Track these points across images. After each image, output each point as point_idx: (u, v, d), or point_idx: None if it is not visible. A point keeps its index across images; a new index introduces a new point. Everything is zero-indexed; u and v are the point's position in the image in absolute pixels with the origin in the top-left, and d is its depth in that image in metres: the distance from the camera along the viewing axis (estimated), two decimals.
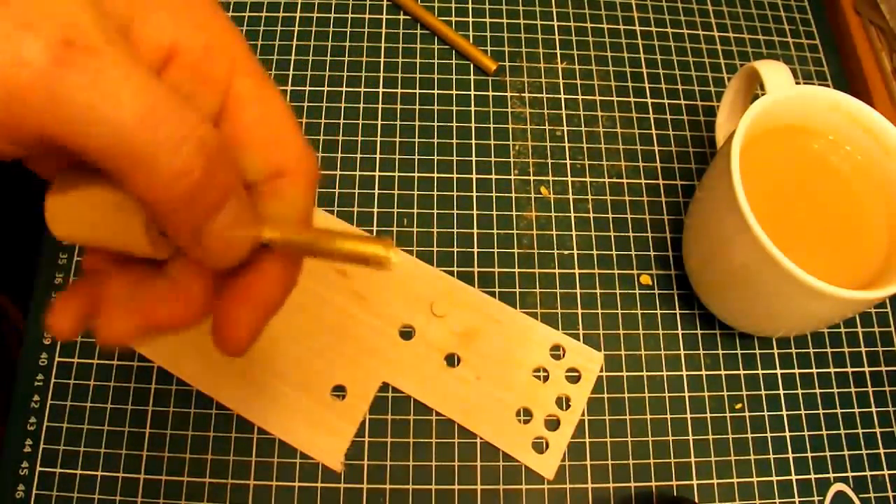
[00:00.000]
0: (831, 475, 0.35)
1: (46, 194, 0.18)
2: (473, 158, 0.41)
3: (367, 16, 0.44)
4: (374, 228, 0.38)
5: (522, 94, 0.43)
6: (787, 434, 0.36)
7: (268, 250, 0.19)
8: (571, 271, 0.38)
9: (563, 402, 0.35)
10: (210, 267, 0.18)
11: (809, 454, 0.35)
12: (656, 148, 0.42)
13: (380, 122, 0.41)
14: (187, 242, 0.17)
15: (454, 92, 0.42)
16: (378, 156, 0.40)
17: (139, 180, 0.15)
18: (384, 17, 0.45)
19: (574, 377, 0.35)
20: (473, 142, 0.41)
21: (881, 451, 0.36)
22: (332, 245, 0.18)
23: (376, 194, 0.39)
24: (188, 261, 0.19)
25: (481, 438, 0.34)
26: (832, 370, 0.37)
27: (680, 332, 0.37)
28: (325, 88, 0.42)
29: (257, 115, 0.19)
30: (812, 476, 0.35)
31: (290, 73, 0.42)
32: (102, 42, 0.15)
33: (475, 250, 0.38)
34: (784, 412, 0.36)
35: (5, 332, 0.49)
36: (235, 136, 0.19)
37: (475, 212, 0.39)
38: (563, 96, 0.43)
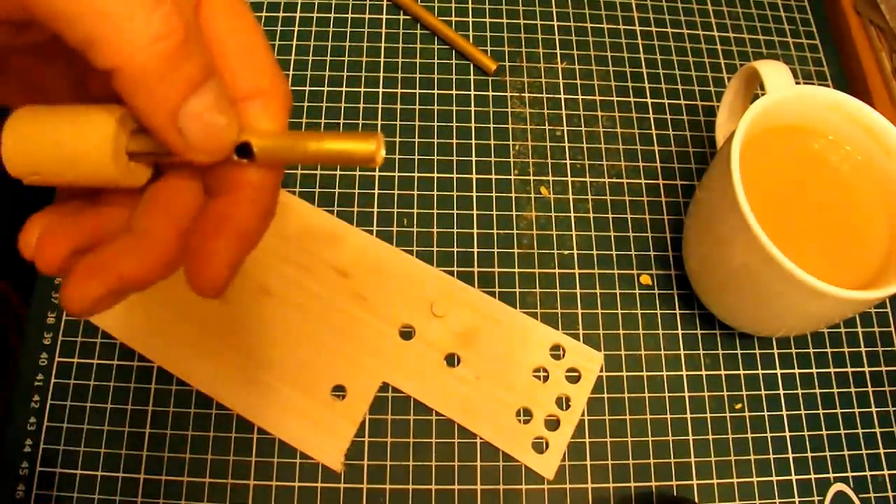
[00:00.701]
0: (831, 475, 0.35)
1: (4, 127, 0.17)
2: (473, 158, 0.41)
3: (367, 16, 0.44)
4: (374, 229, 0.38)
5: (522, 94, 0.43)
6: (787, 434, 0.36)
7: (242, 175, 0.18)
8: (571, 271, 0.38)
9: (563, 402, 0.35)
10: (189, 159, 0.17)
11: (809, 454, 0.35)
12: (656, 148, 0.42)
13: (380, 122, 0.41)
14: (164, 124, 0.16)
15: (454, 92, 0.42)
16: None
17: (114, 44, 0.14)
18: (384, 17, 0.45)
19: (574, 377, 0.35)
20: (473, 142, 0.41)
21: (881, 451, 0.36)
22: (316, 145, 0.17)
23: (376, 194, 0.39)
24: (156, 205, 0.18)
25: (481, 438, 0.34)
26: (832, 370, 0.37)
27: (680, 332, 0.37)
28: (325, 88, 0.42)
29: (228, 26, 0.18)
30: (812, 476, 0.35)
31: (290, 73, 0.42)
32: None
33: (475, 250, 0.38)
34: (784, 412, 0.36)
35: (6, 321, 0.49)
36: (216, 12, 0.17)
37: (475, 212, 0.39)
38: (563, 96, 0.43)
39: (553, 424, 0.34)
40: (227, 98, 0.17)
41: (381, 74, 0.43)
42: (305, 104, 0.41)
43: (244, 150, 0.17)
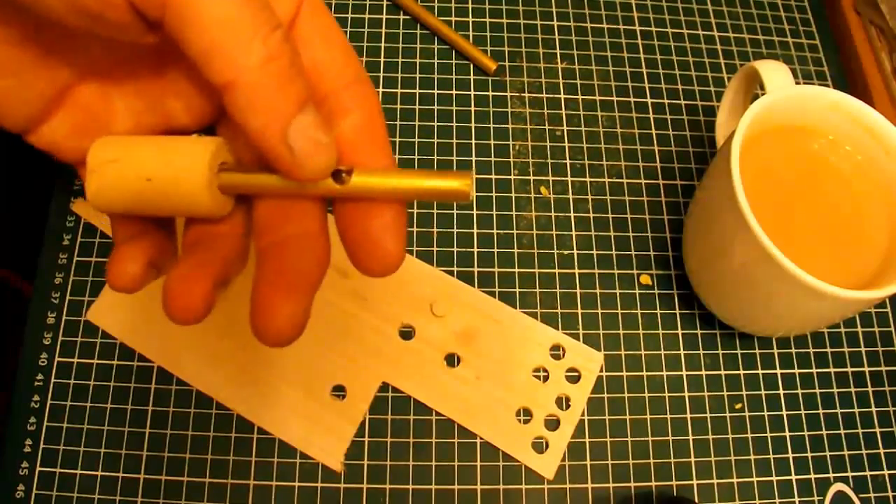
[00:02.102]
0: (831, 475, 0.35)
1: (87, 165, 0.18)
2: (473, 158, 0.41)
3: (367, 16, 0.44)
4: None
5: (522, 94, 0.43)
6: (787, 434, 0.36)
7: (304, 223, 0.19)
8: (571, 271, 0.38)
9: (563, 402, 0.35)
10: (298, 176, 0.18)
11: (809, 454, 0.35)
12: (656, 148, 0.42)
13: None
14: (275, 139, 0.17)
15: (454, 92, 0.42)
16: None
17: (234, 58, 0.16)
18: (384, 17, 0.45)
19: (574, 377, 0.35)
20: (473, 142, 0.41)
21: (881, 451, 0.36)
22: (409, 182, 0.18)
23: None
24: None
25: (481, 438, 0.34)
26: (832, 370, 0.37)
27: (680, 332, 0.37)
28: None
29: (322, 42, 0.20)
30: (812, 476, 0.35)
31: None
32: None
33: (475, 250, 0.38)
34: (784, 412, 0.36)
35: (14, 309, 0.49)
36: (312, 37, 0.20)
37: (475, 212, 0.39)
38: (563, 96, 0.43)
39: (553, 424, 0.34)
40: (324, 120, 0.18)
41: (381, 74, 0.43)
42: None
43: (338, 176, 0.18)
